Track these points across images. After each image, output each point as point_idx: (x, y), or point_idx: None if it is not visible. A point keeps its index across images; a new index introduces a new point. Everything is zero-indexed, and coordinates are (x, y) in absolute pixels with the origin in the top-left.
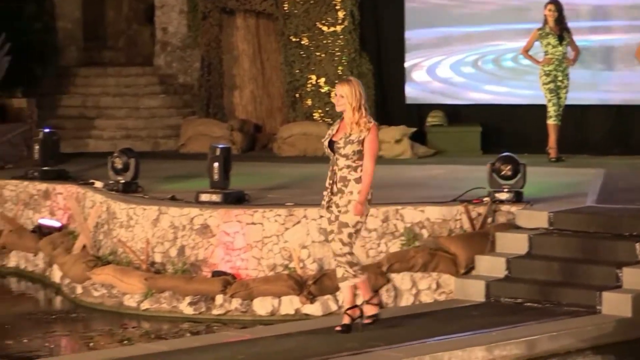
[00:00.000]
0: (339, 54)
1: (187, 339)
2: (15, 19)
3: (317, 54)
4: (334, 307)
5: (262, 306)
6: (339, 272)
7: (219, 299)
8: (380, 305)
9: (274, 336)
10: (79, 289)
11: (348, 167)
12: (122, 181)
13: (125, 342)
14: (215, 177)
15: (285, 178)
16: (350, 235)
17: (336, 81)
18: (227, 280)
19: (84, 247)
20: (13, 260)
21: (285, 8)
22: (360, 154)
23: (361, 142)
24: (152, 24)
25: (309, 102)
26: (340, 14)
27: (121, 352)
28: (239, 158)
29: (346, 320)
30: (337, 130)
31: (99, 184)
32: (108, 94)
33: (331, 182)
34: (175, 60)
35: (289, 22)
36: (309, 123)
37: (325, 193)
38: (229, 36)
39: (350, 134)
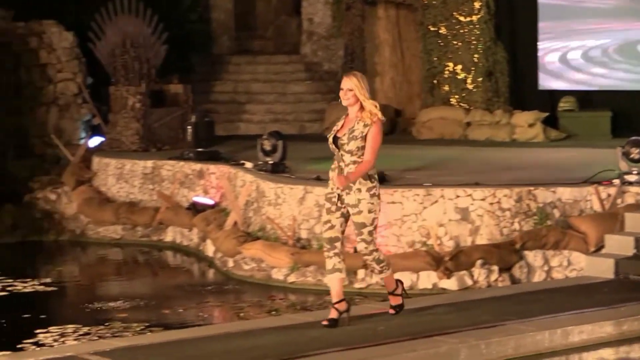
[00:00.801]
0: (475, 42)
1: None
2: (173, 10)
3: (454, 42)
4: (469, 282)
5: None
6: (329, 264)
7: (361, 273)
8: (403, 296)
9: (413, 309)
10: (231, 263)
11: (354, 162)
12: (271, 162)
13: (273, 312)
14: None
15: (424, 160)
16: (370, 233)
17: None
18: None
19: (235, 223)
20: (169, 235)
21: None
22: (364, 150)
23: (364, 138)
24: (299, 15)
25: (446, 88)
26: (477, 5)
27: (269, 322)
28: None
29: (333, 314)
30: (341, 127)
31: (249, 165)
32: (258, 81)
33: None
34: (320, 48)
35: (428, 12)
36: (446, 108)
37: (331, 188)
38: (371, 26)
39: (354, 129)
